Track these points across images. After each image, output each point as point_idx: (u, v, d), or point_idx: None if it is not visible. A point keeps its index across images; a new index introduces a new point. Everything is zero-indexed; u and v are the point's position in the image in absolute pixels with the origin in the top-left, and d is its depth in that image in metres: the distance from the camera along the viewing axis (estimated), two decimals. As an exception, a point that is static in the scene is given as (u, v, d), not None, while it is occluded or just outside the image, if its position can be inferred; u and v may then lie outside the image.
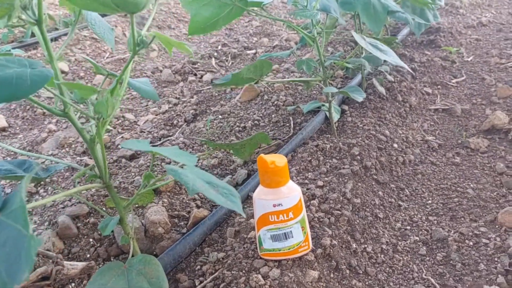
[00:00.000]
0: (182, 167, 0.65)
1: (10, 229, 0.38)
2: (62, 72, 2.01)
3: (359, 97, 1.13)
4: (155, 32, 0.55)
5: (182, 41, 2.44)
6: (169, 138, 1.46)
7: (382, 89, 1.50)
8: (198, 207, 1.08)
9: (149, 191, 0.82)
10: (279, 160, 0.79)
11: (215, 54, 2.18)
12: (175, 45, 0.59)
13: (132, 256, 0.72)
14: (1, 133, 1.61)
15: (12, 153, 1.44)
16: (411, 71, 1.20)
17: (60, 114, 0.59)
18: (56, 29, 2.62)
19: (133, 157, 1.35)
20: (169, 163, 1.25)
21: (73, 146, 1.42)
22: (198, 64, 2.08)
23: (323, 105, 1.35)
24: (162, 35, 0.56)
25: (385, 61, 1.84)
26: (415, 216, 1.07)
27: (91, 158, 1.33)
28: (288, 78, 1.76)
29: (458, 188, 1.15)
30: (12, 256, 0.35)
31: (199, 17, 0.99)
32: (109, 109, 0.55)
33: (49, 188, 1.19)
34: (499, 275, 0.85)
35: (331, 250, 0.87)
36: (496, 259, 0.90)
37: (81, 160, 1.33)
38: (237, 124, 1.46)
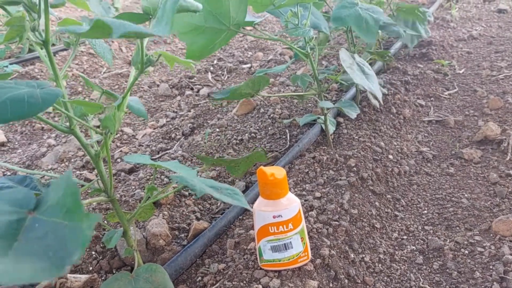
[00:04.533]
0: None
1: (47, 224, 0.40)
2: (60, 87, 2.03)
3: (353, 113, 1.15)
4: (161, 51, 0.57)
5: (178, 56, 2.47)
6: (167, 151, 1.48)
7: (376, 102, 1.53)
8: (198, 219, 1.09)
9: (150, 205, 0.84)
10: (278, 172, 0.81)
11: (211, 68, 2.21)
12: (181, 63, 0.61)
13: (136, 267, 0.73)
14: (0, 148, 1.62)
15: (15, 165, 1.45)
16: (381, 102, 1.23)
17: (66, 131, 0.60)
18: (53, 44, 2.65)
19: (132, 170, 1.37)
20: (168, 176, 1.27)
21: (72, 160, 1.44)
22: (195, 78, 2.11)
23: (319, 118, 1.37)
24: (168, 54, 0.58)
25: (377, 74, 1.88)
26: (412, 226, 1.09)
27: (90, 172, 1.35)
28: (283, 91, 1.79)
29: (453, 198, 1.18)
30: (55, 245, 0.37)
31: (196, 46, 1.01)
32: (117, 124, 0.57)
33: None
34: (494, 283, 0.87)
35: (329, 260, 0.89)
36: (491, 267, 0.92)
37: (80, 174, 1.34)
38: (234, 137, 1.48)
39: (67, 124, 0.64)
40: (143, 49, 0.55)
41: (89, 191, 0.95)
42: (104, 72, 2.25)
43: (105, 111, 0.57)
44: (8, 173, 1.41)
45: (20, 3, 0.59)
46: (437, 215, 1.12)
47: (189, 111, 1.77)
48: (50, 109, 0.60)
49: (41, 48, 0.61)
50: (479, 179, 1.25)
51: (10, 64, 2.32)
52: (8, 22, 0.53)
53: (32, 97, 0.47)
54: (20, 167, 1.46)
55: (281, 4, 1.09)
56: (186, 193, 1.17)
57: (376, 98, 1.57)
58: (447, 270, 0.94)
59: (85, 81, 0.70)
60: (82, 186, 0.76)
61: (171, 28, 0.49)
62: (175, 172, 0.72)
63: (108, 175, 0.69)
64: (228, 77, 2.14)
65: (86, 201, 0.64)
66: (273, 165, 1.29)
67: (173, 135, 1.58)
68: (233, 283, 0.84)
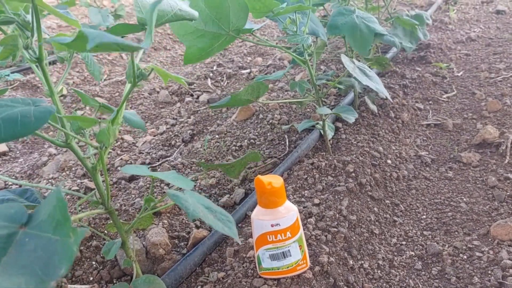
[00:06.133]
0: (180, 190, 0.67)
1: (38, 238, 0.41)
2: (61, 95, 2.04)
3: (351, 117, 1.16)
4: (153, 65, 0.58)
5: (178, 62, 2.47)
6: (167, 158, 1.48)
7: (374, 107, 1.53)
8: (197, 227, 1.10)
9: (149, 215, 0.85)
10: (275, 181, 0.82)
11: (211, 74, 2.22)
12: (173, 79, 0.62)
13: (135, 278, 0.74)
14: (2, 157, 1.63)
15: (17, 175, 1.46)
16: (391, 100, 1.23)
17: (63, 145, 0.61)
18: (53, 52, 2.66)
19: (132, 178, 1.37)
20: (169, 184, 1.27)
21: (73, 169, 1.45)
22: (195, 84, 2.12)
23: (317, 124, 1.38)
24: (160, 69, 0.59)
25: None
26: (410, 231, 1.10)
27: (91, 181, 1.35)
28: (282, 96, 1.79)
29: (452, 203, 1.18)
30: (44, 258, 0.38)
31: (194, 48, 1.02)
32: (111, 138, 0.58)
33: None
34: (493, 288, 0.87)
35: (328, 267, 0.89)
36: (489, 272, 0.92)
37: (81, 182, 1.35)
38: (234, 143, 1.49)
39: (64, 138, 0.65)
40: (134, 63, 0.56)
41: (89, 201, 0.96)
42: (104, 80, 2.26)
43: (99, 126, 0.57)
44: (10, 183, 1.42)
45: (14, 22, 0.60)
46: (435, 220, 1.13)
47: (189, 117, 1.78)
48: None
49: (36, 65, 0.62)
50: (477, 183, 1.25)
51: (12, 72, 2.33)
52: (2, 41, 0.54)
53: (26, 116, 0.47)
54: (21, 176, 1.47)
55: (280, 11, 1.10)
56: (186, 201, 1.18)
57: (374, 102, 1.57)
58: (446, 276, 0.94)
59: (79, 95, 0.71)
60: (80, 198, 0.76)
61: (151, 41, 0.50)
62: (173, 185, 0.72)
63: (105, 187, 0.70)
64: (227, 82, 2.15)
65: (84, 214, 0.65)
66: (272, 171, 1.29)
67: (173, 142, 1.59)
68: (232, 291, 0.84)
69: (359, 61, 1.66)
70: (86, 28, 0.52)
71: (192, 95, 2.02)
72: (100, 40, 0.48)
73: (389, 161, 1.33)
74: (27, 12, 0.60)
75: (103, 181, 0.71)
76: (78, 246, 0.40)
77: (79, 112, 1.89)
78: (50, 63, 2.40)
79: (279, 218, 0.82)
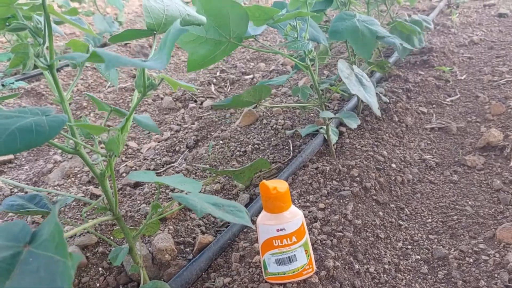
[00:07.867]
0: (186, 193, 0.68)
1: (41, 258, 0.41)
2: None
3: (353, 123, 1.16)
4: (163, 75, 0.59)
5: (181, 68, 2.47)
6: (172, 164, 1.49)
7: (378, 111, 1.54)
8: (203, 233, 1.10)
9: (156, 221, 0.85)
10: (280, 185, 0.83)
11: (214, 80, 2.23)
12: (183, 87, 0.63)
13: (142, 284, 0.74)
14: (7, 165, 1.64)
15: (22, 182, 1.47)
16: (378, 114, 1.21)
17: (71, 151, 0.62)
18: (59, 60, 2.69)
19: (137, 184, 1.38)
20: (173, 189, 1.28)
21: (78, 176, 1.45)
22: (198, 90, 2.13)
23: (321, 128, 1.38)
24: (170, 78, 0.59)
25: (379, 82, 1.89)
26: (416, 235, 1.10)
27: (96, 187, 1.36)
28: (285, 101, 1.80)
29: (457, 206, 1.18)
30: (46, 279, 0.38)
31: (196, 56, 1.03)
32: (120, 146, 0.59)
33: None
34: (500, 291, 0.87)
35: (334, 271, 0.89)
36: (496, 275, 0.92)
37: (86, 189, 1.35)
38: (238, 148, 1.49)
39: (73, 144, 0.65)
40: (144, 73, 0.56)
41: (94, 208, 0.97)
42: (108, 87, 2.27)
43: (108, 133, 0.58)
44: (16, 190, 1.42)
45: (26, 29, 0.60)
46: (441, 223, 1.13)
47: (193, 123, 1.78)
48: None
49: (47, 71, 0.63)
50: (482, 186, 1.25)
51: (16, 80, 2.35)
52: (13, 49, 0.55)
53: (40, 126, 0.48)
54: (27, 183, 1.47)
55: (280, 18, 1.10)
56: (191, 206, 1.18)
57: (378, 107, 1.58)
58: (452, 279, 0.94)
59: (94, 101, 0.72)
60: (86, 204, 0.77)
61: (167, 62, 0.51)
62: (180, 190, 0.73)
63: (113, 194, 0.70)
64: (231, 88, 2.16)
65: (93, 221, 0.65)
66: (276, 176, 1.30)
67: (177, 148, 1.60)
68: (239, 297, 0.85)
69: (360, 65, 1.66)
70: (99, 49, 0.53)
71: (195, 101, 2.03)
72: (117, 64, 0.49)
73: (393, 165, 1.33)
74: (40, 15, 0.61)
75: (110, 187, 0.71)
76: (75, 270, 0.40)
77: (83, 119, 1.90)
78: (54, 71, 2.41)
79: (284, 223, 0.83)
